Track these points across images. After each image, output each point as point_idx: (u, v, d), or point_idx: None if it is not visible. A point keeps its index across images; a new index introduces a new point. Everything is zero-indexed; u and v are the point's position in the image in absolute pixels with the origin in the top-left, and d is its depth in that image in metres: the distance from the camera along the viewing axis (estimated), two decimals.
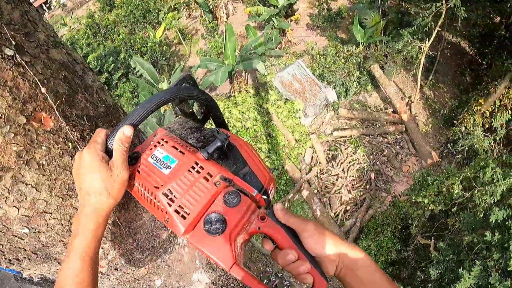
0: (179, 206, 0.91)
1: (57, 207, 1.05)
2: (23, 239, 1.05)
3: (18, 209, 0.96)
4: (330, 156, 14.33)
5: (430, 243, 9.71)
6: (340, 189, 13.39)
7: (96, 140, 0.98)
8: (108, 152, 0.99)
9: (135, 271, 1.59)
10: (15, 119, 0.86)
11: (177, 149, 1.00)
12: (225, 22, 17.24)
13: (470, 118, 12.08)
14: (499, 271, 6.52)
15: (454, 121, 13.17)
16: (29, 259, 1.16)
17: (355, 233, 12.18)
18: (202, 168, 0.95)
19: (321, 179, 13.75)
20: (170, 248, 1.72)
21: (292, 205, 13.17)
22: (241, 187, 0.94)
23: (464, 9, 11.03)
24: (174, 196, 0.92)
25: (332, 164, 13.98)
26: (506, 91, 11.78)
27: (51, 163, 0.98)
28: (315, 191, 13.48)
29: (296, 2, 17.55)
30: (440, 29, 12.72)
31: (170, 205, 0.91)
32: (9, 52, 0.85)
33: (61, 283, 0.89)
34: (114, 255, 1.38)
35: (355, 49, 15.82)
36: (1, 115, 0.83)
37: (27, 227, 1.02)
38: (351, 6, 18.74)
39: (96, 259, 0.94)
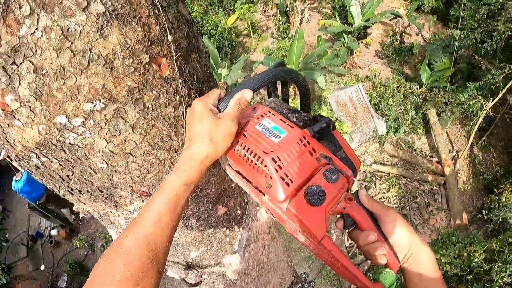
0: (285, 173, 0.95)
1: (143, 153, 1.06)
2: (96, 173, 1.06)
3: (107, 143, 0.96)
4: (362, 186, 14.14)
5: None
6: None
7: (209, 95, 1.02)
8: (219, 111, 1.03)
9: (181, 237, 1.61)
10: (140, 55, 0.87)
11: (285, 122, 1.06)
12: (298, 27, 17.24)
13: (511, 191, 11.64)
14: None
15: (495, 189, 12.61)
16: (91, 194, 1.17)
17: (364, 269, 11.98)
18: (308, 143, 1.02)
19: None
20: (221, 226, 1.73)
21: None
22: (338, 166, 1.01)
23: None
24: (282, 163, 0.96)
25: None
26: None
27: (155, 109, 0.99)
28: (338, 216, 13.34)
29: (371, 26, 17.41)
30: (506, 92, 12.33)
31: (277, 171, 0.95)
32: None
33: (142, 216, 0.91)
34: None
35: (417, 88, 15.55)
36: (129, 46, 0.83)
37: (106, 163, 1.03)
38: (424, 45, 18.40)
39: (181, 204, 0.96)
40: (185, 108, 1.09)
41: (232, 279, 2.11)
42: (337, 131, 1.13)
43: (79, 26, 0.74)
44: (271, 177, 0.95)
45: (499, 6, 11.84)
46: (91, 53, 0.77)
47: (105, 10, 0.77)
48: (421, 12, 19.67)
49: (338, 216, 1.09)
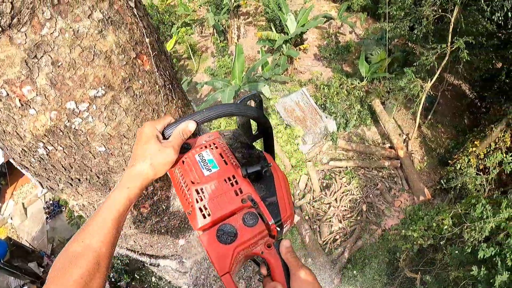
0: (204, 206, 1.03)
1: (134, 135, 1.27)
2: (95, 158, 1.26)
3: (106, 126, 1.17)
4: (324, 184, 14.55)
5: (417, 276, 9.85)
6: (331, 218, 13.56)
7: (159, 121, 1.19)
8: (164, 136, 1.18)
9: (170, 221, 1.79)
10: (129, 52, 1.11)
11: (222, 157, 1.14)
12: (236, 43, 17.64)
13: (464, 159, 12.34)
14: None
15: (449, 161, 13.48)
16: (89, 182, 1.35)
17: (342, 263, 12.29)
18: (236, 182, 1.07)
19: (313, 206, 13.94)
20: None
21: None
22: (262, 212, 1.04)
23: (468, 52, 11.51)
24: (204, 195, 1.04)
25: (326, 193, 14.20)
26: (502, 134, 12.11)
27: (141, 96, 1.22)
28: (306, 217, 13.65)
29: (306, 31, 18.02)
30: (442, 71, 13.18)
31: (197, 202, 1.04)
32: (131, 3, 1.12)
33: (89, 225, 1.03)
34: (160, 197, 1.57)
35: (358, 83, 16.19)
36: (121, 45, 1.08)
37: (104, 146, 1.23)
38: (359, 41, 19.29)
39: (124, 214, 1.08)
40: (163, 96, 1.32)
41: None
42: (282, 175, 1.18)
43: (85, 29, 0.98)
44: (192, 206, 1.05)
45: None
46: (95, 49, 1.01)
47: (103, 18, 1.01)
48: (352, 12, 20.50)
49: (262, 261, 1.10)
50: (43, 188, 1.44)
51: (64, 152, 1.20)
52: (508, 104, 11.99)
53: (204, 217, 1.02)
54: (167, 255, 2.13)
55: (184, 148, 1.19)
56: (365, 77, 16.28)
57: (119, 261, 11.74)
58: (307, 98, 15.24)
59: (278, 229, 1.05)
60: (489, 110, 14.19)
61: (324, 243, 13.00)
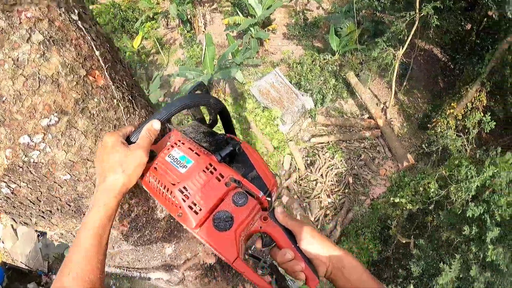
0: (193, 202, 1.01)
1: None
2: (62, 187, 1.18)
3: (66, 153, 1.09)
4: (308, 162, 14.58)
5: (410, 241, 9.97)
6: (319, 194, 13.63)
7: (121, 130, 1.13)
8: (129, 143, 1.12)
9: (152, 234, 1.73)
10: (78, 71, 1.03)
11: (193, 150, 1.11)
12: (203, 32, 17.40)
13: (443, 121, 12.52)
14: (479, 263, 6.82)
15: (428, 125, 13.65)
16: (61, 211, 1.28)
17: (336, 237, 12.39)
18: (215, 169, 1.06)
19: (300, 185, 13.99)
20: None
21: None
22: (249, 188, 1.05)
23: (437, 17, 11.57)
24: (189, 193, 1.02)
25: (311, 170, 14.25)
26: (477, 94, 12.27)
27: (99, 114, 1.13)
28: (295, 196, 13.70)
29: (273, 12, 17.86)
30: (413, 37, 13.16)
31: (184, 201, 1.01)
32: (74, 16, 1.03)
33: (72, 256, 0.97)
34: (137, 213, 1.50)
35: (330, 57, 16.13)
36: (68, 65, 0.99)
37: (69, 174, 1.15)
38: (327, 16, 19.12)
39: (105, 236, 1.02)
40: (124, 109, 1.24)
41: (211, 263, 2.24)
42: (253, 149, 1.20)
43: (26, 55, 0.89)
44: (180, 207, 1.02)
45: None
46: (39, 75, 0.93)
47: (44, 39, 0.92)
48: None
49: (257, 235, 1.11)
50: (17, 223, 1.37)
51: (29, 187, 1.13)
52: (481, 64, 12.08)
53: (196, 213, 1.00)
54: (157, 266, 2.08)
55: (152, 156, 1.15)
56: (337, 51, 16.22)
57: None
58: (281, 78, 15.19)
59: (268, 199, 1.08)
60: (462, 71, 14.32)
61: (316, 219, 13.08)
